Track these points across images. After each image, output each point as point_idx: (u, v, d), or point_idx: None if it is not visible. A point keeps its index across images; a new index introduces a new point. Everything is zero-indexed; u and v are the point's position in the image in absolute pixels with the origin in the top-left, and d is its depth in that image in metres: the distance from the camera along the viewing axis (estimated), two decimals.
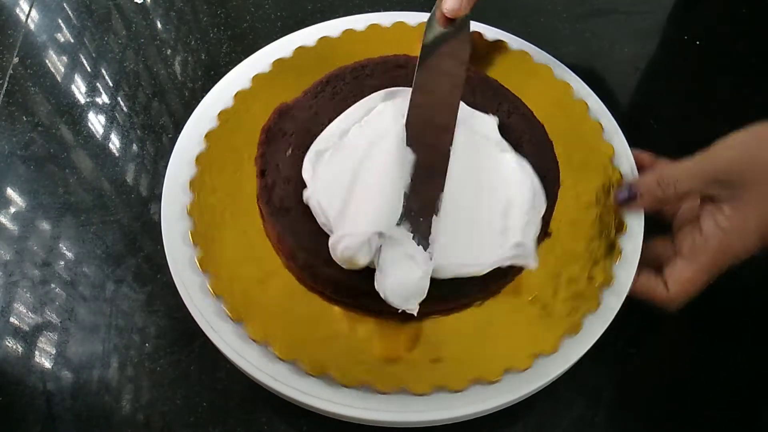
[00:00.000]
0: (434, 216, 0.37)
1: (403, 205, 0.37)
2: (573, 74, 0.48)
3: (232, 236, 0.40)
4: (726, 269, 0.37)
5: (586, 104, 0.46)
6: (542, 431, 0.41)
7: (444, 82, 0.42)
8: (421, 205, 0.37)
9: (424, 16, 0.50)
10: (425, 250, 0.36)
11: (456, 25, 0.42)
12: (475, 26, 0.48)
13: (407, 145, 0.39)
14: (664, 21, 0.61)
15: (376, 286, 0.35)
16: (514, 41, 0.49)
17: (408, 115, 0.40)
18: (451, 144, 0.40)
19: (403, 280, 0.35)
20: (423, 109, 0.40)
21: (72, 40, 0.58)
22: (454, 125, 0.40)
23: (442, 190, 0.38)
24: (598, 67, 0.57)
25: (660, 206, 0.40)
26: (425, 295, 0.35)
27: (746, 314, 0.45)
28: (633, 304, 0.39)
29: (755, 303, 0.46)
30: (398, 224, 0.36)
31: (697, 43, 0.58)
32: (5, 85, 0.54)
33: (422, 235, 0.36)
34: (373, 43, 0.47)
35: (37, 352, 0.42)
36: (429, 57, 0.42)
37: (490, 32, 0.49)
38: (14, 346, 0.42)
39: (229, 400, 0.40)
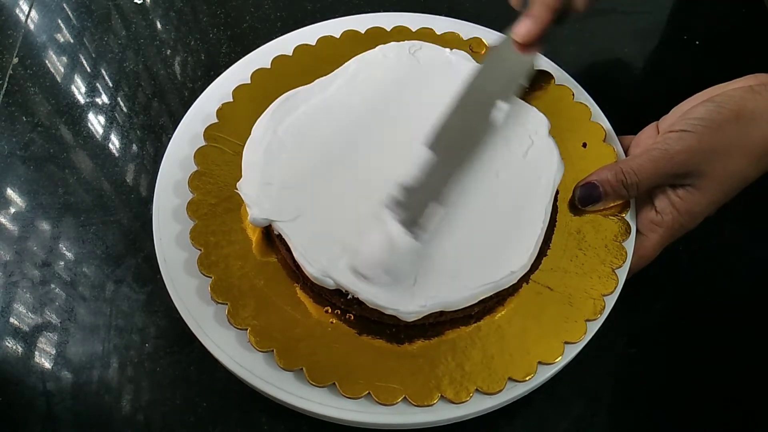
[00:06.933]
0: (437, 205, 0.37)
1: (399, 192, 0.37)
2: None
3: (231, 237, 0.40)
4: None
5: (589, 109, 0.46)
6: (542, 431, 0.41)
7: (487, 102, 0.41)
8: (418, 194, 0.37)
9: (424, 18, 0.50)
10: (413, 236, 0.36)
11: (530, 52, 0.43)
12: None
13: (428, 147, 0.39)
14: (664, 21, 0.61)
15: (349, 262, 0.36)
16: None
17: (441, 120, 0.40)
18: (473, 154, 0.40)
19: (369, 253, 0.36)
20: (456, 119, 0.40)
21: (72, 41, 0.58)
22: (483, 142, 0.41)
23: (449, 185, 0.38)
24: (598, 67, 0.57)
25: (620, 200, 0.41)
26: (409, 281, 0.36)
27: (746, 314, 0.45)
28: (633, 303, 0.39)
29: (755, 303, 0.46)
30: (387, 207, 0.37)
31: (697, 43, 0.58)
32: (5, 85, 0.54)
33: (411, 220, 0.36)
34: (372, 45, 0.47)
35: (37, 353, 0.42)
36: (483, 75, 0.42)
37: (490, 35, 0.49)
38: (14, 346, 0.42)
39: (228, 400, 0.40)
